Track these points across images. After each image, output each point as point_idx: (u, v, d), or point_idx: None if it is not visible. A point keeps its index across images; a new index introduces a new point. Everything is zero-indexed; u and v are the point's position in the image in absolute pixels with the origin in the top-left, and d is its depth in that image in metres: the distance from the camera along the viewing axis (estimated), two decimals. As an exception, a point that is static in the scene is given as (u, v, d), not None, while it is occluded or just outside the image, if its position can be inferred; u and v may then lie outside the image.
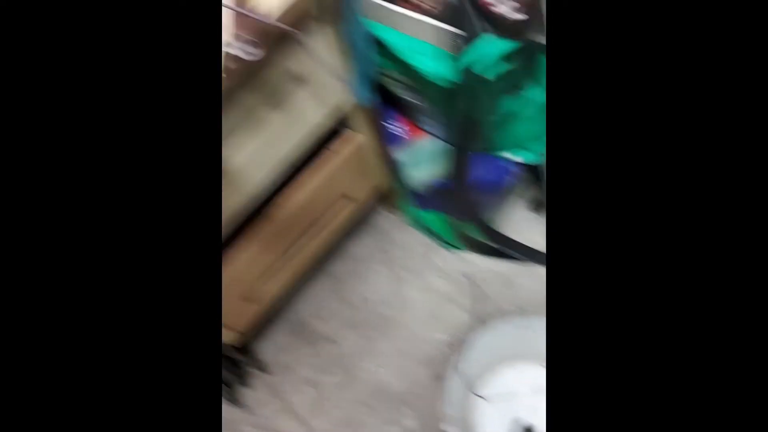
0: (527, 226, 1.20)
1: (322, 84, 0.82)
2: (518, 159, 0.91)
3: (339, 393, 1.17)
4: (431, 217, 1.15)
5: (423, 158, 0.98)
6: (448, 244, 1.23)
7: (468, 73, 0.72)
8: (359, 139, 0.97)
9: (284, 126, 0.83)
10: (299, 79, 0.79)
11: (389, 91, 0.92)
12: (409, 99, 0.90)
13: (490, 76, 0.73)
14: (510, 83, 0.75)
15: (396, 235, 1.32)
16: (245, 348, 1.24)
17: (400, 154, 1.01)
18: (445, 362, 0.96)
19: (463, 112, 0.78)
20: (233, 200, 0.85)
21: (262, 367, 1.25)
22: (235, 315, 1.04)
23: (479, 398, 0.90)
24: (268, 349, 1.28)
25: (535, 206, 1.18)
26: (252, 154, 0.81)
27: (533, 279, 1.14)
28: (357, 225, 1.35)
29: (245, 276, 0.99)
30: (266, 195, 0.91)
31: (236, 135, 0.77)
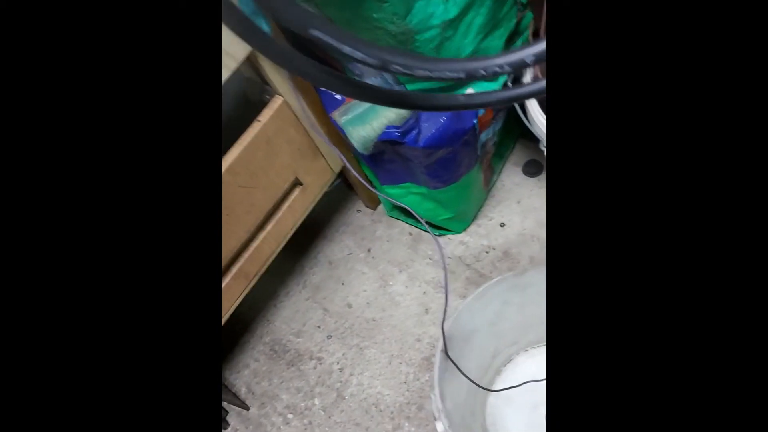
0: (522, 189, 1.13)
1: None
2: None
3: (329, 416, 1.02)
4: (399, 192, 1.03)
5: (365, 114, 0.84)
6: (432, 227, 1.11)
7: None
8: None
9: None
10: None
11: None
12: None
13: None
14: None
15: (377, 230, 1.20)
16: (217, 382, 1.06)
17: (343, 118, 0.86)
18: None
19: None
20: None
21: (238, 402, 1.07)
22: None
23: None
24: (244, 379, 1.10)
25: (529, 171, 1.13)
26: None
27: (530, 248, 1.05)
28: (333, 225, 1.23)
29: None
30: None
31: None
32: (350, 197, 1.25)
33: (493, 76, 0.30)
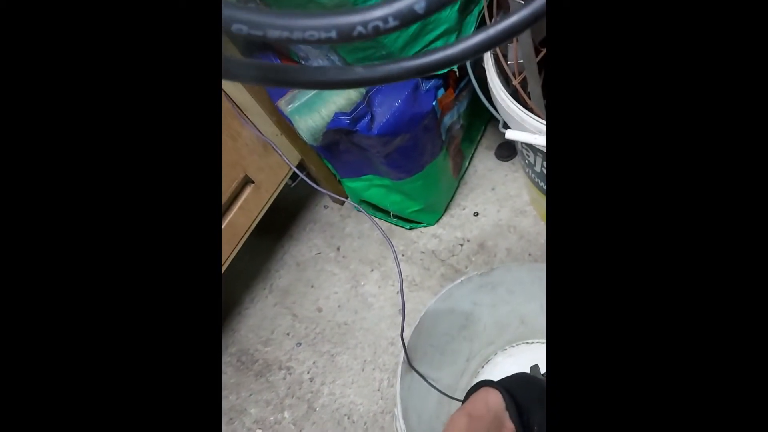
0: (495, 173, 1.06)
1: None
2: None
3: (300, 430, 0.95)
4: (361, 186, 0.95)
5: (311, 101, 0.75)
6: (402, 220, 1.04)
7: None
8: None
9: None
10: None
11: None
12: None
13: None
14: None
15: (346, 226, 1.13)
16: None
17: (289, 107, 0.77)
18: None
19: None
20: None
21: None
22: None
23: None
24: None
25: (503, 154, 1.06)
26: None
27: (507, 239, 0.98)
28: (299, 223, 1.16)
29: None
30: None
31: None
32: (316, 192, 1.18)
33: (375, 34, 0.22)
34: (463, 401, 0.53)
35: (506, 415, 0.49)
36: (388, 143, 0.77)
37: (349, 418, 0.94)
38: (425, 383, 0.70)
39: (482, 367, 0.89)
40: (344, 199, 0.98)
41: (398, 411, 0.62)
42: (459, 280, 0.70)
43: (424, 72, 0.28)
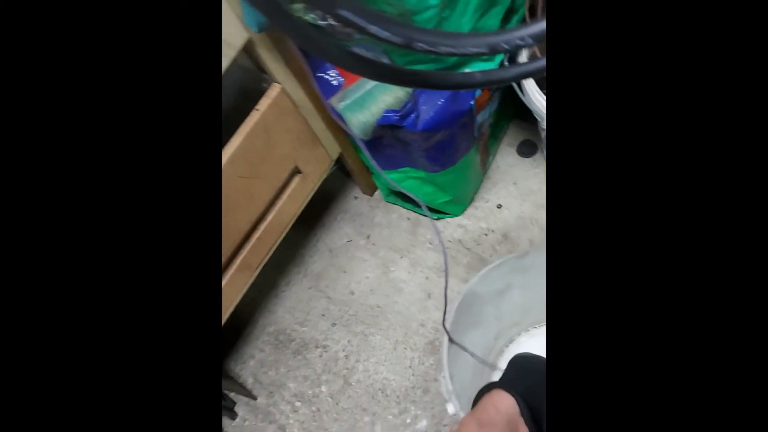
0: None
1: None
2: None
3: (336, 403, 1.03)
4: (398, 177, 1.03)
5: (362, 99, 0.82)
6: (431, 211, 1.11)
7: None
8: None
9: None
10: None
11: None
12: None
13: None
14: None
15: (375, 216, 1.20)
16: (224, 373, 1.06)
17: (341, 104, 0.85)
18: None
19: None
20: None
21: (245, 392, 1.07)
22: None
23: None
24: (250, 369, 1.11)
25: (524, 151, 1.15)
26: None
27: (529, 231, 1.06)
28: (331, 213, 1.23)
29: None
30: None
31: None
32: (347, 184, 1.25)
33: (515, 50, 0.30)
34: (473, 404, 0.51)
35: (521, 420, 0.47)
36: (430, 138, 0.85)
37: (382, 392, 1.02)
38: (461, 357, 0.78)
39: (507, 346, 0.97)
40: (369, 193, 1.05)
41: (446, 375, 0.70)
42: (497, 262, 0.78)
43: (529, 76, 0.36)
